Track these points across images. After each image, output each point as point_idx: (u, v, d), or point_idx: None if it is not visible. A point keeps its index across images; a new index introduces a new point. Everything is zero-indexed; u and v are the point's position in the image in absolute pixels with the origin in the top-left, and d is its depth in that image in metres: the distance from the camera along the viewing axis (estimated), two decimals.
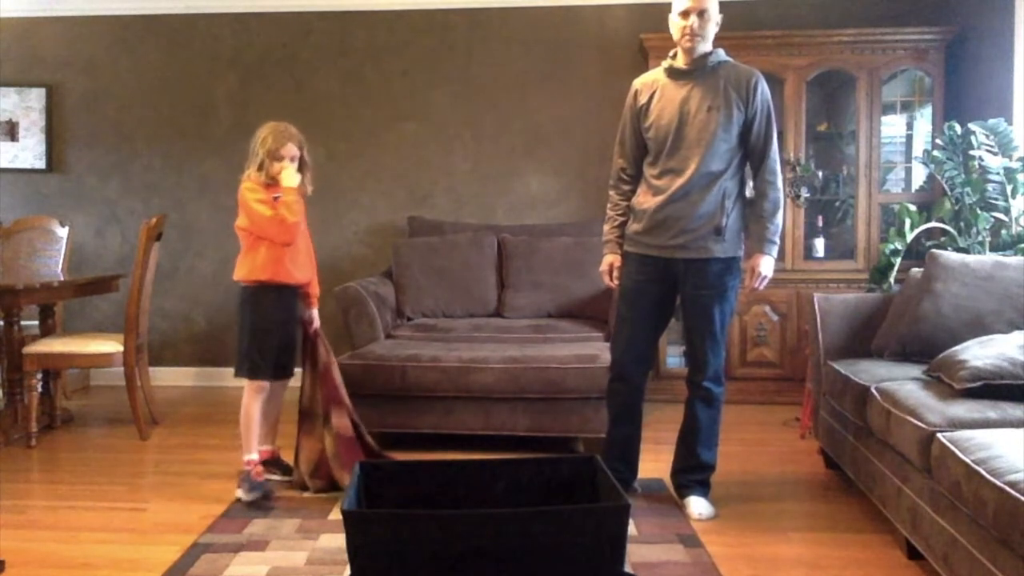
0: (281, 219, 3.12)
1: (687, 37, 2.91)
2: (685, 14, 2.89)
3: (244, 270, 3.22)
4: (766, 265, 3.01)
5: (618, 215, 3.15)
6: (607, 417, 3.23)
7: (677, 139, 2.93)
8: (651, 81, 3.06)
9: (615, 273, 3.14)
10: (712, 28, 2.93)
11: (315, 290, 3.41)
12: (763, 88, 2.96)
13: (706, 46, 2.95)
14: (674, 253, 2.97)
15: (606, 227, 3.18)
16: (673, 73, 3.00)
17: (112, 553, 2.72)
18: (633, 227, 3.07)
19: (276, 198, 3.17)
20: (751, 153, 2.99)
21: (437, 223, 5.04)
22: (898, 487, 2.57)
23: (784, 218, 4.68)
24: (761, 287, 3.06)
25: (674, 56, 3.01)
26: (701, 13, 2.88)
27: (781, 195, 3.01)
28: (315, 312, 3.42)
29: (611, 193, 3.18)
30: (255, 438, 3.22)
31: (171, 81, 5.44)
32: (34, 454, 3.91)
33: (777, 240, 3.01)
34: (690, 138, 2.92)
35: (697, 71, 2.95)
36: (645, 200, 3.02)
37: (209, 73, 5.41)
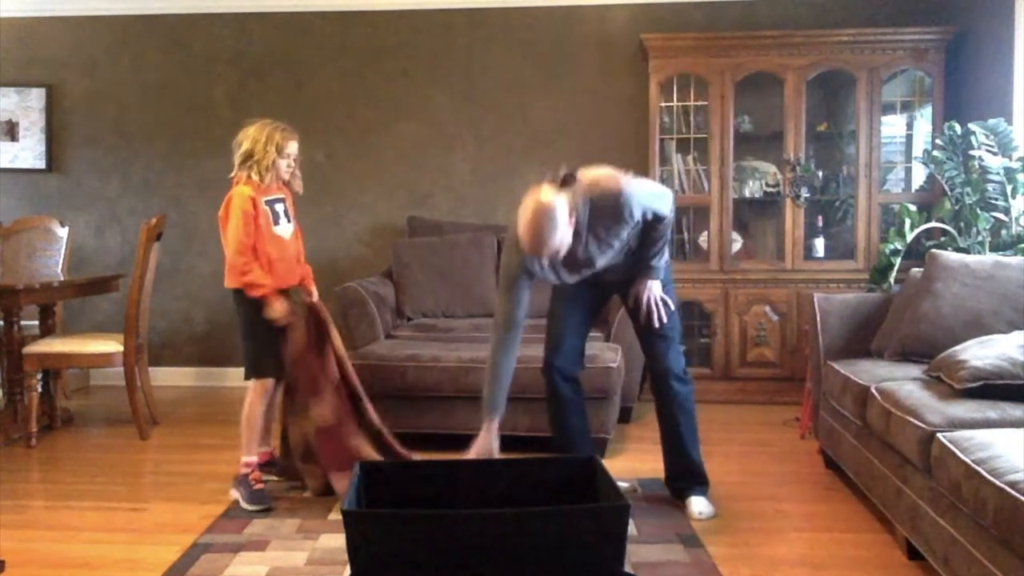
0: (236, 259, 3.06)
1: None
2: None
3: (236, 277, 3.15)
4: (649, 288, 2.95)
5: (496, 377, 2.91)
6: (552, 417, 3.21)
7: (585, 280, 2.97)
8: (530, 263, 2.84)
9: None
10: (569, 237, 2.65)
11: (307, 276, 3.38)
12: (631, 203, 2.74)
13: (571, 239, 2.68)
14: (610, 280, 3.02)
15: (485, 390, 2.88)
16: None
17: (112, 553, 2.72)
18: None
19: (275, 202, 3.16)
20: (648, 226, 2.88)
21: (437, 223, 5.04)
22: (898, 487, 2.57)
23: (784, 218, 4.77)
24: (653, 305, 2.95)
25: None
26: (556, 253, 2.65)
27: (666, 240, 2.95)
28: (312, 289, 3.37)
29: (493, 341, 2.96)
30: (255, 440, 3.20)
31: (171, 81, 5.44)
32: (34, 454, 3.91)
33: (656, 264, 2.95)
34: (599, 273, 2.94)
35: (579, 237, 2.76)
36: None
37: (209, 73, 5.42)
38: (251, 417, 3.19)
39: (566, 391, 3.18)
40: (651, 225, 2.87)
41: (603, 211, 2.75)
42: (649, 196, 2.84)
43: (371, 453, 3.19)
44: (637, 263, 2.96)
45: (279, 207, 3.19)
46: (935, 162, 3.93)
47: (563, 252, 2.68)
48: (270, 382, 3.20)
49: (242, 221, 3.06)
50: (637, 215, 2.78)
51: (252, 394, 3.20)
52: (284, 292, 3.25)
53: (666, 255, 3.04)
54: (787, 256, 4.79)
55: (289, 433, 3.25)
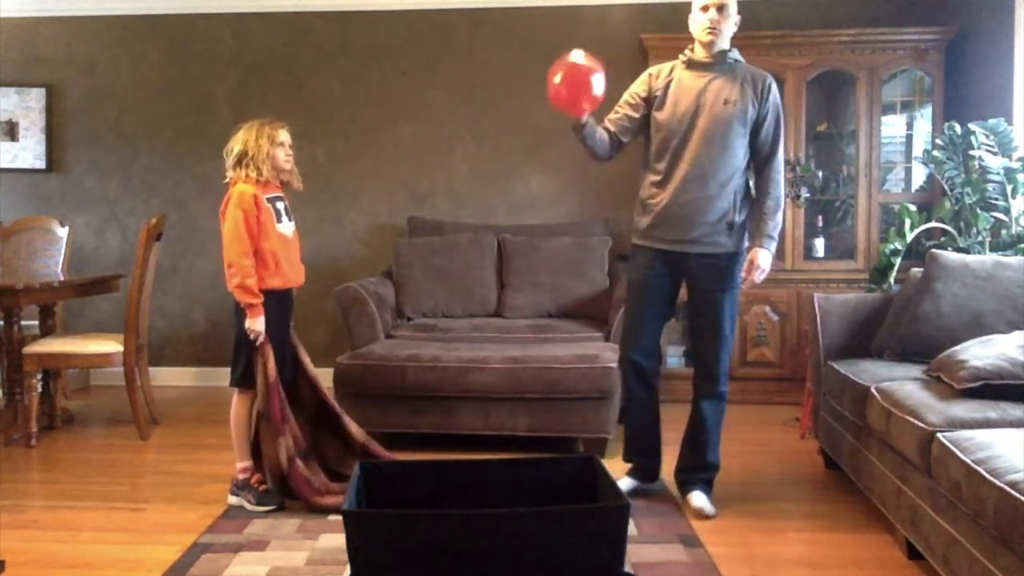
0: (242, 260, 3.01)
1: (707, 31, 2.95)
2: (705, 8, 2.94)
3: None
4: (764, 258, 3.00)
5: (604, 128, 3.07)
6: (627, 414, 3.23)
7: (692, 129, 2.94)
8: (667, 70, 3.06)
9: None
10: (730, 25, 2.98)
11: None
12: (775, 90, 3.01)
13: (725, 43, 2.99)
14: (686, 248, 2.98)
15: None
16: (692, 64, 3.01)
17: (112, 553, 2.72)
18: (643, 221, 3.06)
19: (276, 200, 3.15)
20: (758, 152, 3.01)
21: (437, 223, 5.04)
22: (898, 487, 2.57)
23: (784, 218, 4.75)
24: (759, 280, 3.04)
25: (691, 50, 3.03)
26: (721, 8, 2.93)
27: (783, 195, 3.05)
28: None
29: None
30: (247, 445, 3.17)
31: (171, 81, 5.44)
32: (34, 454, 3.91)
33: (776, 236, 3.02)
34: (706, 129, 2.93)
35: (716, 64, 2.98)
36: (656, 193, 3.01)
37: (209, 73, 5.41)
38: (239, 424, 3.17)
39: (638, 391, 3.15)
40: (767, 187, 3.00)
41: (752, 71, 3.01)
42: (782, 125, 3.05)
43: (332, 493, 3.13)
44: (731, 226, 2.97)
45: (280, 205, 3.17)
46: (935, 162, 3.93)
47: (719, 32, 2.94)
48: (255, 392, 3.16)
49: (242, 222, 3.02)
50: (769, 100, 2.97)
51: (237, 403, 3.17)
52: (290, 292, 3.25)
53: (772, 246, 3.03)
54: (787, 256, 4.79)
55: (263, 450, 3.17)
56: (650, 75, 3.08)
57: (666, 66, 3.09)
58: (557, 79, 2.84)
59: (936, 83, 4.69)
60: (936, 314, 3.06)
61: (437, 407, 3.77)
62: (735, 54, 3.02)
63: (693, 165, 2.93)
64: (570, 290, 4.57)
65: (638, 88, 3.07)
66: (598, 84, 2.81)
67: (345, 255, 5.39)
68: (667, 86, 3.01)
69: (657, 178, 3.02)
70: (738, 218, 2.98)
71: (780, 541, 2.79)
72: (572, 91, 2.83)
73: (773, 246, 3.02)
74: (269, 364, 3.07)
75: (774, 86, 3.01)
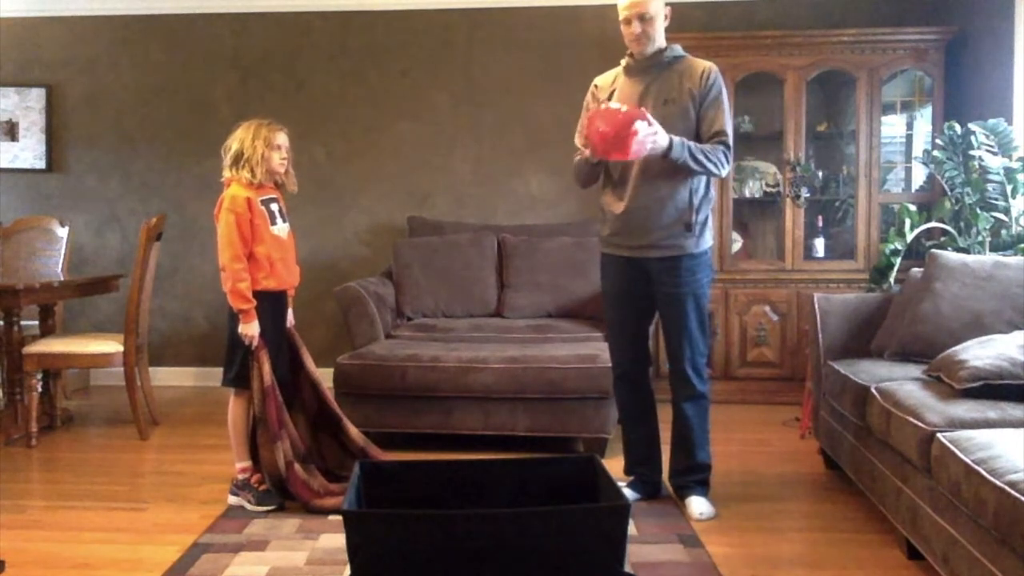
0: (233, 264, 3.03)
1: (633, 42, 2.96)
2: (627, 21, 2.94)
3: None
4: (663, 136, 2.76)
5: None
6: (622, 423, 3.24)
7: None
8: (611, 79, 3.09)
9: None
10: (659, 26, 2.95)
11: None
12: (716, 78, 2.95)
13: (657, 44, 2.97)
14: (645, 253, 2.98)
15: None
16: (629, 70, 3.03)
17: (112, 553, 2.72)
18: (604, 229, 3.09)
19: (270, 202, 3.15)
20: (702, 136, 2.94)
21: (437, 223, 5.04)
22: (898, 487, 2.57)
23: (783, 217, 4.78)
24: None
25: (630, 56, 3.04)
26: (641, 17, 2.91)
27: (720, 167, 2.88)
28: (290, 311, 3.35)
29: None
30: (245, 445, 3.17)
31: (171, 81, 5.44)
32: (34, 454, 3.91)
33: (686, 156, 2.81)
34: None
35: (653, 66, 2.98)
36: (611, 202, 3.03)
37: (209, 73, 5.41)
38: (237, 424, 3.16)
39: (628, 397, 3.17)
40: (709, 143, 2.90)
41: (692, 65, 2.96)
42: (726, 110, 2.94)
43: (332, 494, 3.12)
44: (688, 227, 2.93)
45: (274, 207, 3.17)
46: (935, 162, 3.93)
47: (646, 40, 2.90)
48: (251, 392, 3.14)
49: (234, 226, 3.03)
50: (710, 89, 2.91)
51: (234, 403, 3.16)
52: (284, 293, 3.25)
53: (705, 215, 2.98)
54: (787, 256, 4.80)
55: (261, 454, 3.15)
56: (596, 87, 3.12)
57: (610, 74, 3.11)
58: (602, 125, 2.75)
59: (936, 83, 4.69)
60: (936, 314, 3.06)
61: (437, 407, 3.77)
62: (674, 50, 3.00)
63: (642, 170, 2.92)
64: (570, 290, 4.57)
65: (589, 105, 3.11)
66: (641, 128, 2.71)
67: (345, 255, 5.39)
68: (611, 96, 3.03)
69: (611, 186, 3.04)
70: (695, 218, 2.94)
71: (780, 541, 2.79)
72: (617, 135, 2.71)
73: (677, 150, 2.78)
74: (264, 369, 3.07)
75: (714, 73, 2.94)
